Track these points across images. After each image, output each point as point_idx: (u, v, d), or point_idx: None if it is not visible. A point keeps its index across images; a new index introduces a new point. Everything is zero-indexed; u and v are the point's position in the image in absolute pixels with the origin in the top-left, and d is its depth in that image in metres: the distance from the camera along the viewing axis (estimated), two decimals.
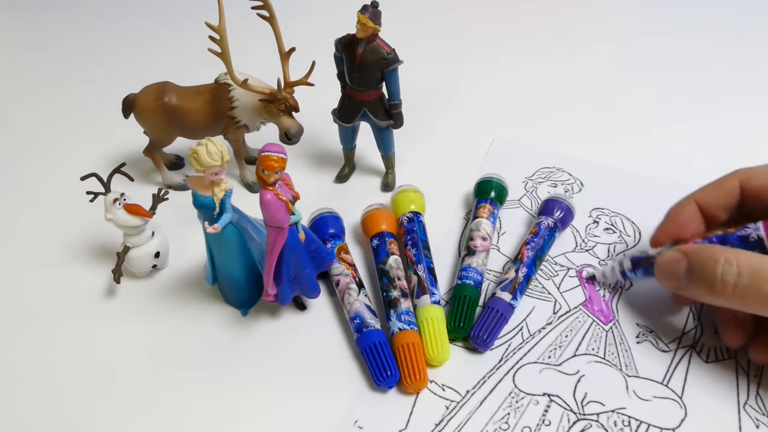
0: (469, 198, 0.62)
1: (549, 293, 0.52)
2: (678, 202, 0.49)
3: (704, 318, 0.50)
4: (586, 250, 0.56)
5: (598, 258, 0.55)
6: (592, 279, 0.53)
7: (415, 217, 0.56)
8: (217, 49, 0.52)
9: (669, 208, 0.50)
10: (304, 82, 0.56)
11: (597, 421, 0.43)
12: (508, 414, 0.43)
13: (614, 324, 0.49)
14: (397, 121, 0.59)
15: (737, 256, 0.40)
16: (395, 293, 0.49)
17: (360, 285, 0.50)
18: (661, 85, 0.82)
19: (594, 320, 0.50)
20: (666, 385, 0.45)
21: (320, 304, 0.52)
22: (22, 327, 0.51)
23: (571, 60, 0.88)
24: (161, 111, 0.59)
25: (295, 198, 0.43)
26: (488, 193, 0.58)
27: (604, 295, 0.52)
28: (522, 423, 0.43)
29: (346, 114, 0.60)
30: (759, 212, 0.46)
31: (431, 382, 0.46)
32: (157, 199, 0.55)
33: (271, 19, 0.53)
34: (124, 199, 0.51)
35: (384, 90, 0.58)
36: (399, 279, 0.50)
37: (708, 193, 0.48)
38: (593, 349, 0.47)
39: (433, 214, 0.59)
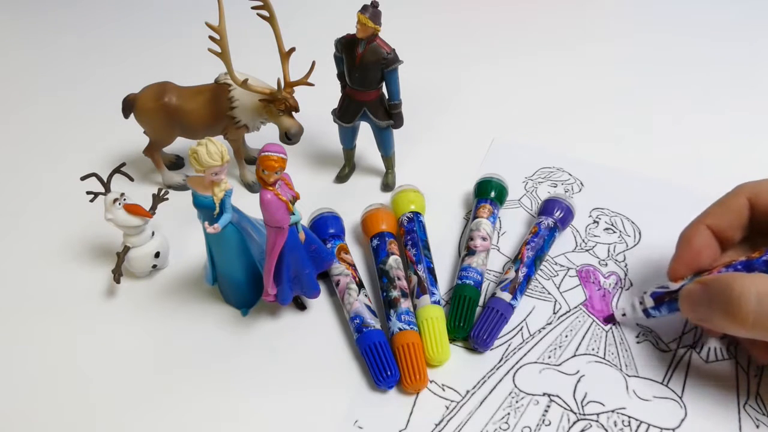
0: (469, 198, 0.62)
1: (549, 293, 0.52)
2: (688, 229, 0.47)
3: None
4: (586, 250, 0.56)
5: (598, 258, 0.55)
6: (610, 320, 0.50)
7: (415, 217, 0.56)
8: (217, 49, 0.52)
9: (679, 235, 0.47)
10: (304, 82, 0.56)
11: (597, 421, 0.43)
12: (508, 414, 0.43)
13: (614, 324, 0.49)
14: (397, 121, 0.59)
15: (755, 282, 0.38)
16: (395, 293, 0.49)
17: (360, 285, 0.50)
18: (661, 84, 0.82)
19: (594, 320, 0.50)
20: (666, 385, 0.45)
21: (320, 304, 0.52)
22: (21, 326, 0.51)
23: (570, 60, 0.88)
24: (161, 111, 0.59)
25: (295, 198, 0.43)
26: (488, 193, 0.58)
27: (604, 295, 0.52)
28: (522, 423, 0.43)
29: (346, 114, 0.60)
30: None
31: (431, 382, 0.46)
32: (157, 199, 0.55)
33: (271, 19, 0.53)
34: (124, 199, 0.51)
35: (384, 90, 0.58)
36: (399, 279, 0.50)
37: (718, 216, 0.45)
38: (593, 349, 0.47)
39: (433, 214, 0.59)
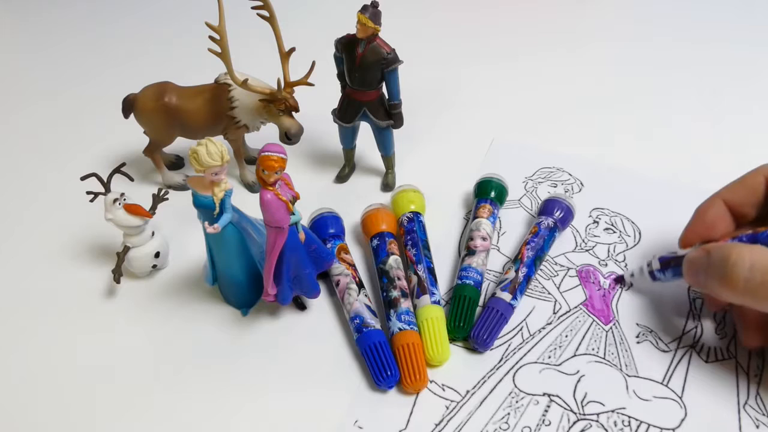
0: (469, 198, 0.62)
1: (549, 293, 0.52)
2: (705, 202, 0.49)
3: (704, 318, 0.50)
4: (586, 250, 0.56)
5: (598, 258, 0.55)
6: (620, 280, 0.53)
7: (415, 217, 0.56)
8: (217, 49, 0.52)
9: (696, 207, 0.49)
10: (304, 82, 0.56)
11: (597, 421, 0.43)
12: (508, 414, 0.43)
13: (614, 324, 0.49)
14: (397, 121, 0.59)
15: (751, 252, 0.40)
16: (395, 293, 0.49)
17: (360, 285, 0.50)
18: (661, 84, 0.82)
19: (594, 320, 0.50)
20: (666, 385, 0.45)
21: (320, 304, 0.52)
22: (22, 327, 0.51)
23: (570, 60, 0.88)
24: (161, 111, 0.59)
25: (295, 198, 0.43)
26: (488, 193, 0.58)
27: (603, 295, 0.52)
28: (522, 423, 0.43)
29: (346, 114, 0.60)
30: None
31: (431, 382, 0.46)
32: (157, 199, 0.55)
33: (271, 19, 0.54)
34: (124, 199, 0.51)
35: (384, 90, 0.58)
36: (399, 279, 0.50)
37: (734, 191, 0.47)
38: (593, 349, 0.47)
39: (433, 214, 0.59)
